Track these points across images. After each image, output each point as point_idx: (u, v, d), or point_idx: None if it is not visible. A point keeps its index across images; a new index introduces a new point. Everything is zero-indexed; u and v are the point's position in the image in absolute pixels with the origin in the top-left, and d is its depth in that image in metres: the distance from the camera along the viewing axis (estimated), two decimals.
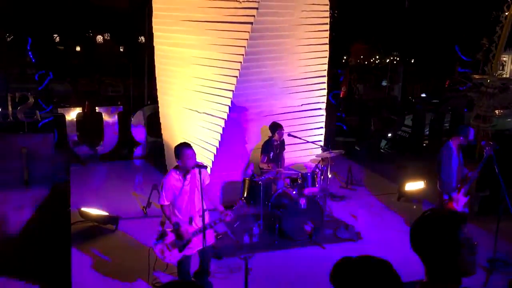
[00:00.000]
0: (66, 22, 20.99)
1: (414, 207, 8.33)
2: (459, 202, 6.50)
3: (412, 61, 24.52)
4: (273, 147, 7.37)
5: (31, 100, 10.26)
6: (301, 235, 6.76)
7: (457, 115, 12.72)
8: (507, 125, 11.27)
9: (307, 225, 6.72)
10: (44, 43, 19.65)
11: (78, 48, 28.89)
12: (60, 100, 15.87)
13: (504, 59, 31.04)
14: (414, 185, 8.58)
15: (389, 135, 13.27)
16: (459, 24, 18.27)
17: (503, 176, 5.83)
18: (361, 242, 6.88)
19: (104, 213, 7.24)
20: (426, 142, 12.95)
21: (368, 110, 14.31)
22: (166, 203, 4.98)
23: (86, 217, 7.21)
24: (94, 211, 7.24)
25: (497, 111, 9.78)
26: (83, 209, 7.26)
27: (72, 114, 10.65)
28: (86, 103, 12.65)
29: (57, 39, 25.77)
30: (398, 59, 25.42)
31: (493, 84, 8.28)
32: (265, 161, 7.29)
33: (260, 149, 7.44)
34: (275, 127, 7.32)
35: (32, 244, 6.76)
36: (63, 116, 10.62)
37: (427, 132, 13.04)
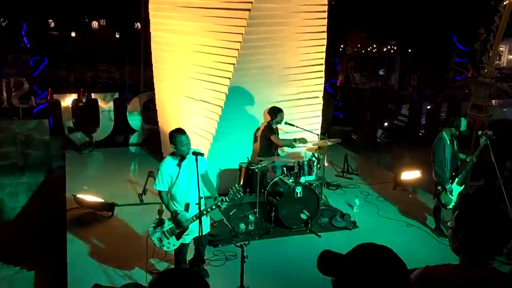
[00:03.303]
0: (61, 7, 20.75)
1: (410, 196, 8.36)
2: (454, 191, 6.53)
3: (409, 51, 24.43)
4: (273, 130, 7.38)
5: (26, 86, 10.17)
6: (297, 223, 6.77)
7: (454, 105, 12.73)
8: (503, 115, 11.28)
9: (303, 213, 6.73)
10: (39, 29, 19.48)
11: (73, 34, 28.63)
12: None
13: (501, 49, 31.03)
14: (410, 175, 8.60)
15: (386, 124, 13.27)
16: (457, 14, 18.20)
17: (499, 165, 5.85)
18: (356, 231, 6.91)
19: (99, 199, 7.22)
20: (423, 131, 12.97)
21: (364, 99, 14.30)
22: (162, 188, 4.99)
23: (81, 203, 7.20)
24: (89, 198, 7.22)
25: (493, 101, 9.78)
26: (79, 195, 7.24)
27: (68, 101, 10.58)
28: (82, 89, 12.56)
29: (52, 24, 25.52)
30: (395, 48, 25.34)
31: (490, 74, 8.28)
32: (278, 140, 7.33)
33: (265, 133, 7.39)
34: (277, 110, 7.33)
35: (28, 231, 6.76)
36: (59, 103, 10.55)
37: (424, 122, 13.06)
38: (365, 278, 1.68)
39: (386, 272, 1.68)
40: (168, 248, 5.07)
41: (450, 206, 6.55)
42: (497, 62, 10.11)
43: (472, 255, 2.12)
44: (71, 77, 19.37)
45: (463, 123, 6.47)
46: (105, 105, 10.76)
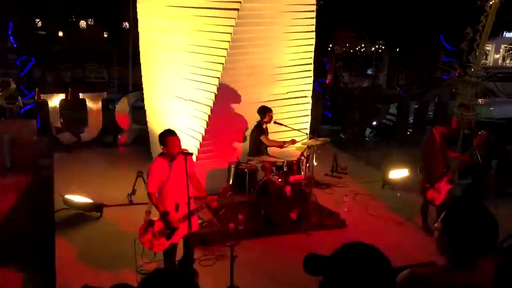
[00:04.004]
0: (48, 6, 20.58)
1: (398, 194, 8.42)
2: (442, 189, 6.60)
3: (397, 50, 24.59)
4: (263, 130, 7.40)
5: (13, 86, 10.08)
6: (286, 222, 6.79)
7: (441, 104, 12.83)
8: (490, 113, 11.39)
9: (293, 212, 6.75)
10: (25, 28, 19.28)
11: (60, 34, 28.39)
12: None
13: (488, 48, 31.37)
14: (398, 173, 8.67)
15: (374, 123, 13.35)
16: (444, 13, 18.34)
17: (486, 164, 5.93)
18: (345, 230, 6.95)
19: (88, 200, 7.18)
20: (410, 130, 13.06)
21: (353, 98, 14.37)
22: (153, 190, 4.96)
23: (70, 204, 7.15)
24: (78, 198, 7.18)
25: (480, 100, 9.88)
26: (67, 196, 7.19)
27: (55, 101, 10.50)
28: (69, 89, 12.46)
29: (39, 24, 25.30)
30: (383, 47, 25.49)
31: (476, 73, 8.35)
32: (269, 139, 7.35)
33: (255, 133, 7.41)
34: (266, 110, 7.35)
35: (15, 232, 6.68)
36: (46, 103, 10.47)
37: (412, 121, 13.15)
38: (350, 277, 1.71)
39: (371, 271, 1.71)
40: (158, 249, 5.05)
41: (438, 203, 6.61)
42: (484, 61, 10.21)
43: (458, 256, 2.15)
44: (50, 77, 19.15)
45: (452, 120, 6.55)
46: (93, 105, 10.69)
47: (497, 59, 34.10)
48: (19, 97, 10.30)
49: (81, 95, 10.80)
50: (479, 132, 6.51)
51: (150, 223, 5.03)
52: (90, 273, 5.52)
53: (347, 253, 1.78)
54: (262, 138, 7.32)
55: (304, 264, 1.86)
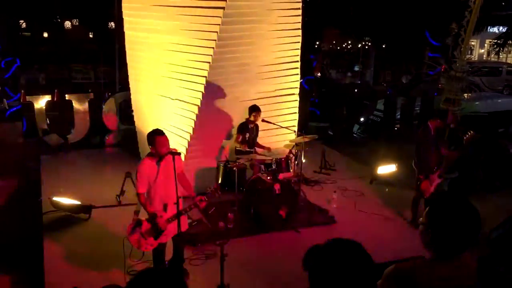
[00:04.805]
0: (32, 7, 20.38)
1: (386, 190, 8.47)
2: (433, 182, 6.65)
3: (384, 46, 24.75)
4: (249, 129, 7.40)
5: None
6: (276, 220, 6.80)
7: (427, 99, 12.94)
8: (475, 108, 11.52)
9: (282, 210, 6.77)
10: (10, 29, 19.07)
11: (45, 35, 28.13)
12: None
13: (473, 43, 31.67)
14: (386, 168, 8.72)
15: (362, 119, 13.42)
16: (429, 9, 18.49)
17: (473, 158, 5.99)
18: (335, 226, 6.97)
19: (76, 202, 7.13)
20: (398, 126, 13.15)
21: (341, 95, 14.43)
22: (142, 191, 4.93)
23: (58, 206, 7.09)
24: (66, 200, 7.12)
25: (465, 95, 9.98)
26: (55, 198, 7.14)
27: (41, 102, 10.40)
28: (56, 90, 12.36)
29: (24, 25, 25.05)
30: (369, 44, 25.63)
31: (461, 68, 8.43)
32: (239, 140, 7.34)
33: (236, 130, 7.46)
34: (253, 109, 7.36)
35: (3, 236, 6.62)
36: (32, 104, 10.37)
37: (399, 116, 13.24)
38: (330, 272, 1.75)
39: (350, 266, 1.75)
40: (146, 248, 5.04)
41: (427, 196, 6.67)
42: (469, 56, 10.32)
43: (442, 250, 2.18)
44: (23, 78, 18.96)
45: (449, 116, 6.59)
46: (80, 106, 10.61)
47: (482, 54, 34.45)
48: (4, 100, 10.20)
49: (67, 96, 10.72)
50: (468, 132, 6.57)
51: (138, 222, 5.01)
52: (79, 274, 5.49)
53: (326, 249, 1.82)
54: (236, 136, 7.36)
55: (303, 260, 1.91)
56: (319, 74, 19.96)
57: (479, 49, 34.57)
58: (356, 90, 16.50)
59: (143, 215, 5.12)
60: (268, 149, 7.71)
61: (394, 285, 2.21)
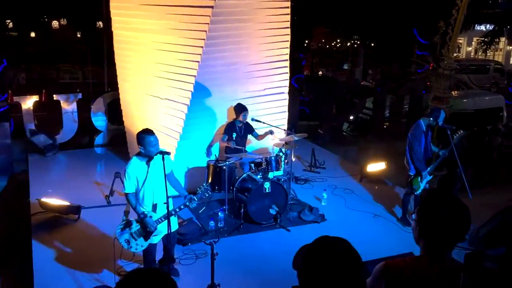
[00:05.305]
0: (19, 7, 20.19)
1: (376, 187, 8.52)
2: (424, 180, 6.70)
3: (372, 45, 24.87)
4: (236, 129, 7.36)
5: None
6: (266, 218, 6.81)
7: (416, 97, 13.01)
8: (463, 105, 11.61)
9: (272, 208, 6.78)
10: None
11: (33, 34, 27.88)
12: None
13: (460, 41, 31.93)
14: (376, 166, 8.77)
15: (351, 118, 13.46)
16: (417, 8, 18.60)
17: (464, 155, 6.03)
18: (325, 224, 7.00)
19: (65, 203, 7.07)
20: (387, 124, 13.22)
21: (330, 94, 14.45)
22: (131, 191, 4.90)
23: (46, 207, 7.03)
24: (54, 201, 7.06)
25: (453, 92, 10.06)
26: (43, 199, 7.08)
27: (29, 103, 10.31)
28: (43, 91, 12.26)
29: (10, 25, 24.81)
30: (358, 42, 25.75)
31: (449, 66, 8.51)
32: (225, 140, 7.28)
33: (224, 130, 7.42)
34: (240, 109, 7.31)
35: None
36: (19, 105, 10.27)
37: (387, 114, 13.30)
38: (319, 270, 1.76)
39: (338, 264, 1.77)
40: (136, 249, 5.02)
41: (418, 192, 6.71)
42: (456, 54, 10.40)
43: (431, 246, 2.21)
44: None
45: (442, 115, 6.61)
46: (68, 106, 10.53)
47: (469, 52, 34.74)
48: None
49: (55, 97, 10.62)
50: (458, 132, 6.63)
51: (128, 223, 4.98)
52: (68, 275, 5.45)
53: (314, 247, 1.83)
54: (220, 140, 7.31)
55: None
56: (320, 73, 20.03)
57: (466, 47, 34.86)
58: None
59: (133, 216, 5.10)
60: (271, 132, 7.57)
61: (384, 282, 2.22)
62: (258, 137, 7.69)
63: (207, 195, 5.13)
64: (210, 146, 7.80)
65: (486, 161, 9.16)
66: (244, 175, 7.14)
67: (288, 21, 8.00)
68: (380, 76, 24.88)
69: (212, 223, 6.61)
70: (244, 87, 7.85)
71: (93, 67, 17.96)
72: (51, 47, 23.20)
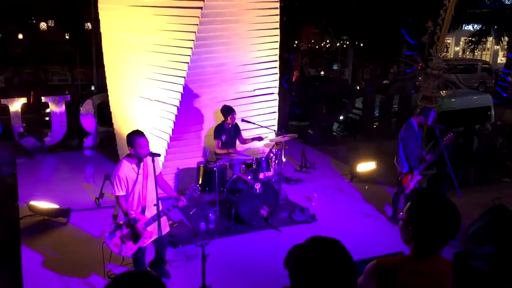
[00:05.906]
0: (5, 8, 20.00)
1: (366, 187, 8.55)
2: (414, 178, 6.73)
3: (361, 45, 24.96)
4: (225, 131, 7.32)
5: None
6: (257, 219, 6.80)
7: (405, 97, 13.08)
8: (452, 105, 11.69)
9: (263, 209, 6.77)
10: None
11: (20, 36, 27.65)
12: None
13: (448, 41, 32.17)
14: (366, 166, 8.80)
15: (341, 118, 13.50)
16: (405, 8, 18.70)
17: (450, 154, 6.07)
18: (316, 224, 7.01)
19: (54, 206, 7.01)
20: (376, 123, 13.28)
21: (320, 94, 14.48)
22: (121, 193, 4.83)
23: (35, 211, 6.97)
24: (43, 204, 7.00)
25: (442, 92, 10.12)
26: (32, 202, 7.01)
27: (16, 105, 10.20)
28: (32, 93, 12.15)
29: None
30: (348, 43, 25.83)
31: (438, 66, 8.55)
32: (219, 146, 7.25)
33: (213, 134, 7.38)
34: (228, 111, 7.26)
35: None
36: (7, 107, 10.17)
37: (377, 114, 13.36)
38: (311, 270, 1.76)
39: (329, 263, 1.77)
40: (125, 253, 4.94)
41: (407, 192, 6.74)
42: (444, 54, 10.46)
43: (421, 246, 2.21)
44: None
45: (432, 114, 6.64)
46: (57, 108, 10.44)
47: (457, 52, 35.01)
48: None
49: (43, 99, 10.53)
50: (448, 134, 6.68)
51: (117, 227, 4.93)
52: (58, 279, 5.40)
53: (305, 247, 1.82)
54: (215, 148, 7.27)
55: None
56: (322, 73, 20.04)
57: (454, 47, 35.13)
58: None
59: (121, 219, 5.06)
60: (259, 138, 7.56)
61: (375, 281, 2.23)
62: (246, 141, 7.65)
63: (195, 195, 5.08)
64: (205, 149, 7.75)
65: (487, 160, 9.24)
66: (235, 176, 7.13)
67: (277, 21, 8.02)
68: (370, 76, 25.00)
69: (203, 225, 6.59)
70: (234, 88, 7.84)
71: (82, 69, 17.84)
72: (39, 49, 23.02)
